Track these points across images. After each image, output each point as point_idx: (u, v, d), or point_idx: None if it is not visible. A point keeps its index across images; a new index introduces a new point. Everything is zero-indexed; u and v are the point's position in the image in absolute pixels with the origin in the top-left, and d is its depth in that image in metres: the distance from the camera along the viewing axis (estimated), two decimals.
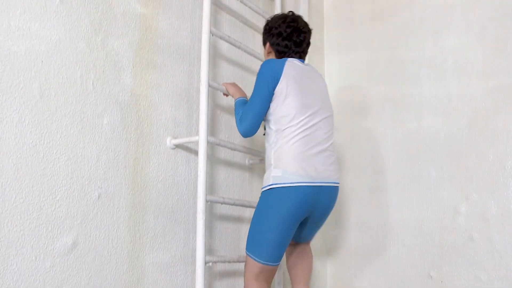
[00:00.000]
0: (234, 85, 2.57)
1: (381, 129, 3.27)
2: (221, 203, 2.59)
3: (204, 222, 2.34)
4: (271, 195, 2.22)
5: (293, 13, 2.52)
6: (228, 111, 2.90)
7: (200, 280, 2.29)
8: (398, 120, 3.22)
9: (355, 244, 3.24)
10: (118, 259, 2.21)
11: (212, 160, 2.78)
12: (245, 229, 2.81)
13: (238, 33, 3.06)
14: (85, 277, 2.07)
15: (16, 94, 1.88)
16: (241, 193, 2.95)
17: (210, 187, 2.74)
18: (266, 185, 2.24)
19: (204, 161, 2.39)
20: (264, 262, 2.20)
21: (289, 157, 2.20)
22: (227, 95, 2.64)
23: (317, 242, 3.16)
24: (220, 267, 2.73)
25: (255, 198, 2.79)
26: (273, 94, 2.28)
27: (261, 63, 2.47)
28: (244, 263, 2.32)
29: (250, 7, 2.98)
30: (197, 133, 2.51)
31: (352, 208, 3.29)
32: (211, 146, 2.73)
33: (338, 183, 2.32)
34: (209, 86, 2.49)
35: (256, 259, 2.20)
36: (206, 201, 2.38)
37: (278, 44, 2.44)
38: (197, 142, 2.45)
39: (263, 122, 2.36)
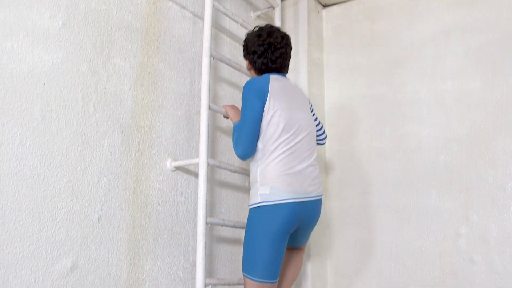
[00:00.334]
0: (234, 107, 2.59)
1: (381, 152, 3.28)
2: (221, 225, 2.59)
3: (204, 244, 2.33)
4: (260, 213, 2.25)
5: (270, 27, 2.51)
6: (228, 134, 2.91)
7: None
8: (397, 143, 3.23)
9: (355, 265, 3.22)
10: (118, 281, 2.20)
11: (212, 182, 2.78)
12: None
13: (238, 55, 3.09)
14: None
15: (17, 116, 1.89)
16: (241, 215, 2.94)
17: (210, 209, 2.73)
18: (254, 202, 2.27)
19: (204, 183, 2.39)
20: (261, 280, 2.21)
21: (275, 175, 2.24)
22: (227, 118, 2.65)
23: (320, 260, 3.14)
24: None
25: None
26: (262, 112, 2.30)
27: None
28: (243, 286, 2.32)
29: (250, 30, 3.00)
30: (197, 155, 2.52)
31: (352, 230, 3.28)
32: (211, 168, 2.74)
33: (321, 195, 2.38)
34: (210, 108, 2.51)
35: (253, 278, 2.21)
36: (206, 223, 2.37)
37: (255, 62, 2.47)
38: (197, 164, 2.46)
39: None
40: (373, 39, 3.46)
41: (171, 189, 2.53)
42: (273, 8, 3.31)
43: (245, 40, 2.55)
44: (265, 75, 2.42)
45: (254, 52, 2.45)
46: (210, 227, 2.68)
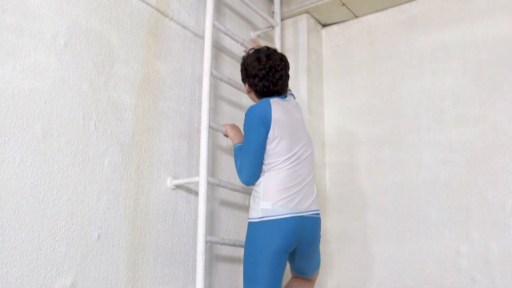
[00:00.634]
0: (234, 127, 2.59)
1: (381, 171, 3.28)
2: (221, 244, 2.58)
3: (204, 263, 2.33)
4: (261, 228, 2.26)
5: (267, 49, 2.50)
6: (229, 152, 2.92)
7: None
8: (397, 162, 3.23)
9: (356, 285, 3.20)
10: None
11: (212, 200, 2.78)
12: None
13: (239, 74, 3.10)
14: None
15: (19, 135, 1.90)
16: (241, 234, 2.94)
17: (210, 228, 2.73)
18: (255, 217, 2.28)
19: (204, 201, 2.39)
20: None
21: (277, 191, 2.27)
22: (227, 136, 2.66)
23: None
24: None
25: None
26: (266, 139, 2.32)
27: None
28: None
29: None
30: (197, 174, 2.52)
31: (352, 249, 3.26)
32: (211, 187, 2.74)
33: (318, 210, 2.41)
34: (210, 127, 2.52)
35: None
36: (206, 241, 2.37)
37: (256, 85, 2.45)
38: (197, 183, 2.46)
39: None
40: (372, 58, 3.49)
41: (171, 207, 2.52)
42: (273, 27, 3.34)
43: (243, 64, 2.52)
44: (266, 100, 2.40)
45: (255, 76, 2.43)
46: (210, 245, 2.67)
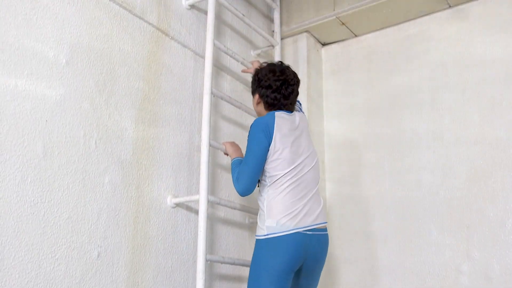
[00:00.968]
0: (233, 144, 2.60)
1: (381, 189, 3.28)
2: (221, 263, 2.57)
3: (203, 282, 2.32)
4: (267, 245, 2.24)
5: (281, 63, 2.55)
6: (229, 170, 2.92)
7: None
8: (397, 180, 3.23)
9: None
10: None
11: (212, 219, 2.78)
12: None
13: (239, 93, 3.13)
14: None
15: (19, 153, 1.91)
16: (241, 252, 2.93)
17: (210, 246, 2.72)
18: (262, 234, 2.27)
19: (204, 220, 2.39)
20: None
21: (282, 207, 2.26)
22: (227, 154, 2.66)
23: None
24: None
25: None
26: (267, 151, 2.32)
27: None
28: None
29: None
30: (197, 192, 2.52)
31: (354, 268, 3.25)
32: (212, 205, 2.73)
33: (326, 222, 2.39)
34: (210, 145, 2.52)
35: None
36: (206, 260, 2.36)
37: (267, 96, 2.46)
38: (197, 201, 2.46)
39: None
40: (372, 76, 3.51)
41: (171, 225, 2.52)
42: (273, 46, 3.37)
43: (256, 75, 2.54)
44: (272, 113, 2.42)
45: (269, 87, 2.45)
46: (210, 264, 2.66)
